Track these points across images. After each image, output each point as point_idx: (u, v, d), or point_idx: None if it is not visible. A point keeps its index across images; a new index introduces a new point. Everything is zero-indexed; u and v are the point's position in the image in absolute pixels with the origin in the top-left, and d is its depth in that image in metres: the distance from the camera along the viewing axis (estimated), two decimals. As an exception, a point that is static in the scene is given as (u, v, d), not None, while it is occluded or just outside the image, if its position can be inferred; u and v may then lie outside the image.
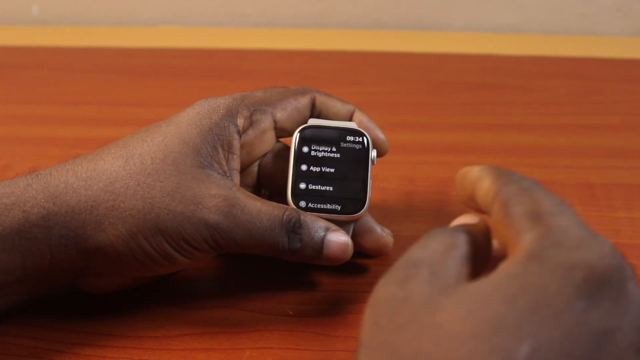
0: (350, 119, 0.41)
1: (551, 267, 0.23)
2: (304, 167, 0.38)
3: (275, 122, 0.39)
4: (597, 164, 0.53)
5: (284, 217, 0.36)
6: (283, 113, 0.39)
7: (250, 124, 0.39)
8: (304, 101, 0.40)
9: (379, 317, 0.24)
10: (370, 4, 0.83)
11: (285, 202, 0.38)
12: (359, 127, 0.40)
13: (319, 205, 0.38)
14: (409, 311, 0.23)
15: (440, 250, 0.26)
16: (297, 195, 0.38)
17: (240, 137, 0.38)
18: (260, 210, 0.36)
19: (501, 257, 0.27)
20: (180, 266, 0.37)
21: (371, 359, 0.23)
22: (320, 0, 0.83)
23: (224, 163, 0.37)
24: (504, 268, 0.24)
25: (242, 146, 0.38)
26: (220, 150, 0.37)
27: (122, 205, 0.35)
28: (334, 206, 0.38)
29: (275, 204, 0.36)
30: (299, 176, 0.38)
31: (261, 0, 0.84)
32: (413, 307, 0.23)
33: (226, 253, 0.38)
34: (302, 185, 0.38)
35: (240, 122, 0.38)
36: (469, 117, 0.61)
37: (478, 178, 0.29)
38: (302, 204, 0.38)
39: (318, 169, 0.39)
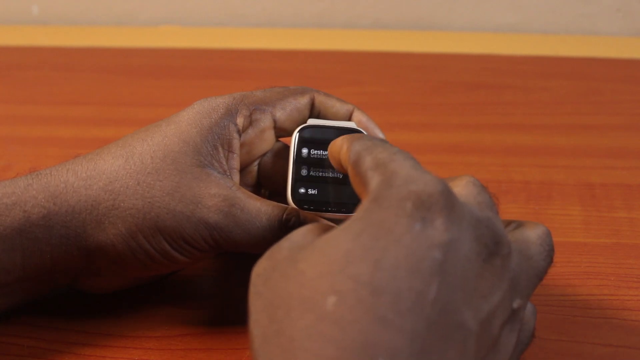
0: (349, 119, 0.41)
1: (386, 204, 0.26)
2: (303, 167, 0.38)
3: (274, 121, 0.39)
4: (597, 164, 0.53)
5: (284, 216, 0.36)
6: (283, 112, 0.39)
7: (250, 123, 0.39)
8: (303, 101, 0.40)
9: (256, 287, 0.27)
10: (370, 4, 0.83)
11: (285, 201, 0.38)
12: (358, 127, 0.40)
13: (318, 205, 0.38)
14: (277, 272, 0.27)
15: (296, 232, 0.29)
16: (297, 194, 0.38)
17: (240, 136, 0.38)
18: (259, 209, 0.36)
19: None
20: (180, 265, 0.37)
21: (258, 322, 0.26)
22: (320, 0, 0.83)
23: (224, 162, 0.37)
24: (351, 216, 0.27)
25: (241, 145, 0.38)
26: (220, 149, 0.37)
27: (122, 204, 0.35)
28: (333, 206, 0.38)
29: (274, 203, 0.37)
30: (298, 176, 0.38)
31: (261, 0, 0.84)
32: (279, 267, 0.27)
33: (226, 252, 0.38)
34: (302, 185, 0.38)
35: (240, 121, 0.38)
36: (469, 117, 0.61)
37: (340, 147, 0.32)
38: (302, 203, 0.38)
39: (317, 169, 0.39)
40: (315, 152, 0.39)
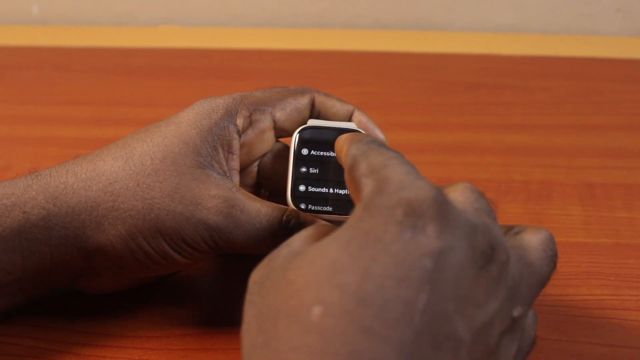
0: (349, 119, 0.41)
1: (376, 211, 0.25)
2: (303, 168, 0.38)
3: (274, 122, 0.39)
4: (597, 164, 0.53)
5: (284, 218, 0.36)
6: (282, 113, 0.39)
7: (250, 123, 0.39)
8: (303, 101, 0.40)
9: (251, 295, 0.27)
10: (370, 4, 0.83)
11: (285, 202, 0.38)
12: (358, 127, 0.40)
13: (318, 206, 0.38)
14: (269, 281, 0.27)
15: (294, 238, 0.29)
16: (297, 196, 0.38)
17: (239, 137, 0.38)
18: (259, 211, 0.36)
19: None
20: (179, 266, 0.37)
21: (248, 331, 0.26)
22: (320, 0, 0.83)
23: (223, 163, 0.37)
24: (343, 224, 0.26)
25: (241, 146, 0.38)
26: (220, 150, 0.37)
27: (122, 205, 0.35)
28: (333, 207, 0.38)
29: (274, 204, 0.36)
30: (298, 177, 0.38)
31: (261, 0, 0.84)
32: (272, 276, 0.27)
33: (226, 253, 0.38)
34: (302, 186, 0.38)
35: (240, 122, 0.38)
36: (469, 117, 0.61)
37: (341, 147, 0.32)
38: (302, 204, 0.38)
39: (317, 170, 0.39)
40: (316, 152, 0.39)
